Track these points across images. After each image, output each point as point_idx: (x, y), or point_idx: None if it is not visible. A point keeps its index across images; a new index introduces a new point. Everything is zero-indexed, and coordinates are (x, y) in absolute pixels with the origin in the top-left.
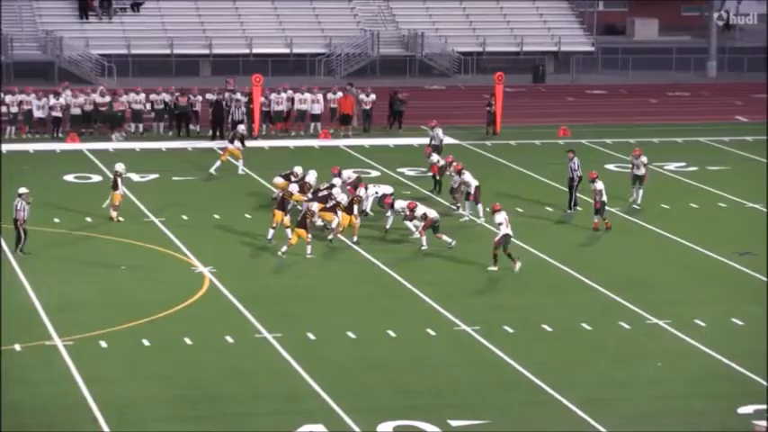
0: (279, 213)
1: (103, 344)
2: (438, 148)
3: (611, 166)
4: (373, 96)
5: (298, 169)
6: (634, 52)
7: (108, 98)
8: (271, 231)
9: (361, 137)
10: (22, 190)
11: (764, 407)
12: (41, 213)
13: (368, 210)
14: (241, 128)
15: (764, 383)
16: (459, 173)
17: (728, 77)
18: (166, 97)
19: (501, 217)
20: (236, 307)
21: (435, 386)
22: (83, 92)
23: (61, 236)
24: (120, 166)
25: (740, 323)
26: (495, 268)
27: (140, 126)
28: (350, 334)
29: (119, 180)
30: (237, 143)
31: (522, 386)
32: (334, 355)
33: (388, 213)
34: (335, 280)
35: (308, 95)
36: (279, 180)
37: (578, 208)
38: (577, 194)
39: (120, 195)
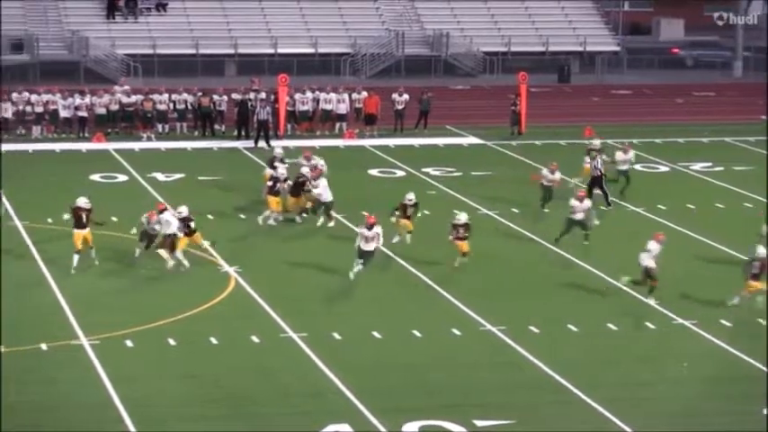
0: (272, 199)
1: (129, 343)
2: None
3: (636, 167)
4: (406, 96)
5: (278, 151)
6: (659, 52)
7: (133, 98)
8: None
9: (386, 137)
10: None
11: None
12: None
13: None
14: (278, 151)
15: None
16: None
17: (754, 77)
18: (188, 97)
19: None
20: (261, 306)
21: (461, 386)
22: (107, 92)
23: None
24: (82, 201)
25: (763, 323)
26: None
27: (165, 126)
28: (375, 334)
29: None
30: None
31: (548, 386)
32: (359, 355)
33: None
34: (361, 280)
35: (333, 95)
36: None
37: (612, 199)
38: (606, 188)
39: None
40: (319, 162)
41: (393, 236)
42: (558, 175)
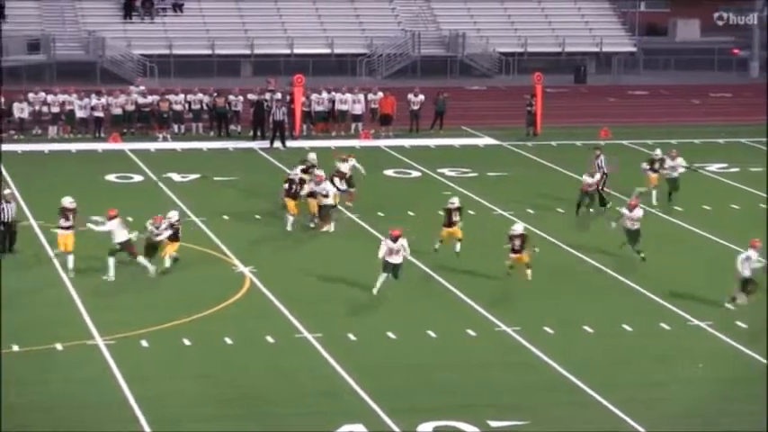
0: (290, 202)
1: (144, 343)
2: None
3: None
4: (422, 97)
5: (311, 156)
6: (676, 53)
7: (149, 98)
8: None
9: (401, 137)
10: (6, 191)
11: None
12: (83, 213)
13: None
14: (311, 156)
15: None
16: None
17: None
18: (204, 98)
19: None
20: (276, 307)
21: (475, 386)
22: (123, 92)
23: (102, 235)
24: (66, 201)
25: None
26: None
27: (181, 127)
28: (390, 334)
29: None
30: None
31: (562, 387)
32: (374, 356)
33: None
34: (374, 281)
35: (348, 96)
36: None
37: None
38: (605, 190)
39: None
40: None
41: (434, 242)
42: (597, 178)
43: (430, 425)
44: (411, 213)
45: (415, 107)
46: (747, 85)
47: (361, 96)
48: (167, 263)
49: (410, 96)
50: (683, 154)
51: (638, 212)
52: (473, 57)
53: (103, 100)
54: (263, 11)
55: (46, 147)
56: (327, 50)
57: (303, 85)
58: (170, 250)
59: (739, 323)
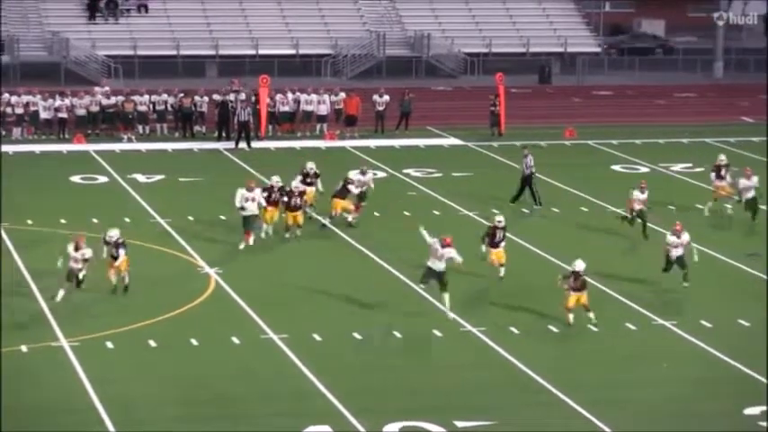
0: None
1: (110, 345)
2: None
3: (617, 167)
4: (387, 97)
5: (309, 165)
6: (640, 53)
7: (113, 99)
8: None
9: (367, 138)
10: None
11: None
12: (48, 214)
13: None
14: (309, 166)
15: None
16: None
17: (735, 78)
18: (169, 99)
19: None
20: (241, 308)
21: (441, 387)
22: (88, 93)
23: (67, 237)
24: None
25: (746, 324)
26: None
27: (146, 128)
28: (355, 335)
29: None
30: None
31: (529, 387)
32: (339, 356)
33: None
34: (340, 281)
35: (314, 96)
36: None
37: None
38: (536, 189)
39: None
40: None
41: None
42: (647, 194)
43: (396, 425)
44: (377, 214)
45: (380, 108)
46: (712, 85)
47: (327, 97)
48: (114, 280)
49: (375, 97)
50: (647, 154)
51: (685, 237)
52: (438, 57)
53: (68, 101)
54: (228, 11)
55: (10, 148)
56: (292, 51)
57: (268, 86)
58: (120, 269)
59: (704, 323)
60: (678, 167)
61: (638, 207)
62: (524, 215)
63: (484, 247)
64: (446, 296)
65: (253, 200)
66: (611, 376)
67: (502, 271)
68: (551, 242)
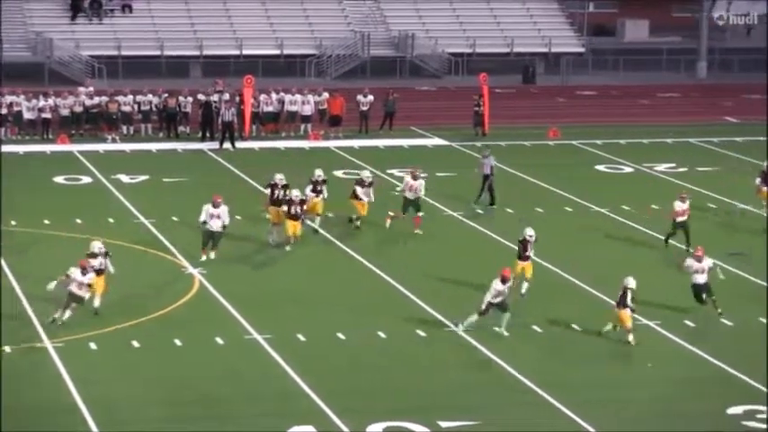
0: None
1: (93, 345)
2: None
3: (601, 167)
4: (371, 97)
5: (318, 173)
6: (624, 53)
7: (97, 99)
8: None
9: (351, 138)
10: None
11: (753, 407)
12: (31, 215)
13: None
14: (318, 172)
15: (754, 384)
16: None
17: (718, 78)
18: (153, 99)
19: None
20: (225, 308)
21: (426, 387)
22: (72, 93)
23: (51, 237)
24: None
25: (730, 324)
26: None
27: (130, 128)
28: (340, 335)
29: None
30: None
31: (513, 387)
32: (324, 357)
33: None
34: (325, 281)
35: (298, 97)
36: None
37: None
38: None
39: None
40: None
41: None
42: (688, 204)
43: (380, 425)
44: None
45: (365, 108)
46: (695, 85)
47: (311, 97)
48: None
49: (359, 97)
50: (631, 154)
51: (707, 262)
52: (422, 57)
53: (51, 101)
54: (212, 12)
55: None
56: (277, 51)
57: (252, 86)
58: (95, 291)
59: (688, 322)
60: (662, 167)
61: (680, 219)
62: (510, 215)
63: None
64: (506, 315)
65: (218, 216)
66: (594, 376)
67: (525, 287)
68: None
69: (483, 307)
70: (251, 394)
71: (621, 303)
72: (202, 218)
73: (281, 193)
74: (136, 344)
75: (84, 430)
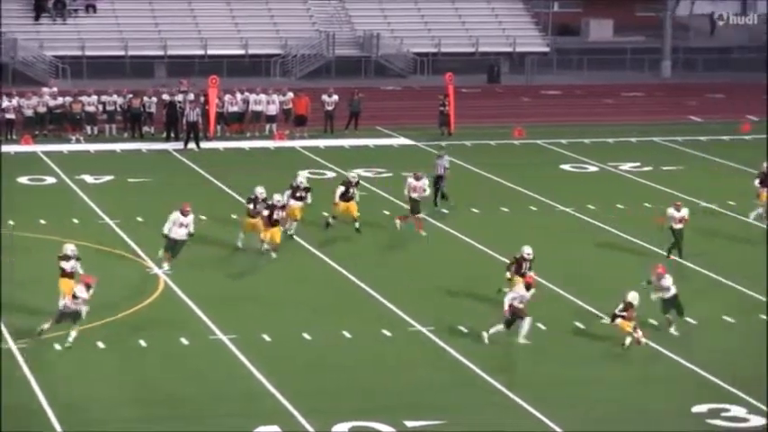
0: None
1: (57, 346)
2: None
3: (566, 167)
4: (336, 97)
5: (301, 178)
6: (589, 53)
7: (60, 100)
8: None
9: (316, 138)
10: None
11: (718, 405)
12: None
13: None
14: (300, 177)
15: (719, 382)
16: None
17: (682, 77)
18: (118, 99)
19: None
20: (190, 308)
21: (391, 387)
22: (35, 94)
23: (15, 239)
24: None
25: (694, 322)
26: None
27: (95, 128)
28: (305, 335)
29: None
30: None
31: (478, 386)
32: (289, 357)
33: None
34: (289, 281)
35: (263, 96)
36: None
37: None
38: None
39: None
40: None
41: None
42: (685, 212)
43: (346, 425)
44: (325, 213)
45: (330, 108)
46: (659, 84)
47: (276, 97)
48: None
49: (324, 97)
50: (596, 153)
51: (667, 281)
52: (387, 57)
53: (15, 102)
54: (177, 11)
55: None
56: (241, 51)
57: (217, 86)
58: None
59: (651, 321)
60: (627, 166)
61: (677, 226)
62: (475, 215)
63: (508, 274)
64: (527, 321)
65: (186, 225)
66: (560, 375)
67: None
68: (500, 241)
69: (508, 314)
70: (216, 395)
71: (619, 316)
72: (167, 228)
73: (262, 207)
74: (101, 344)
75: (49, 431)
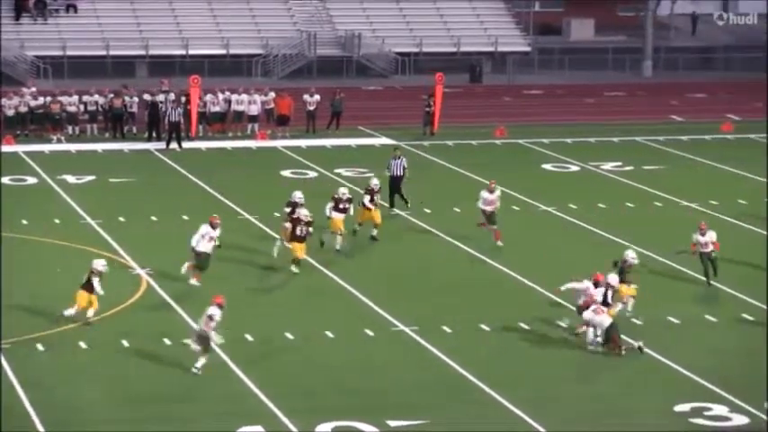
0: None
1: (40, 347)
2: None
3: (548, 166)
4: (317, 97)
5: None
6: (570, 52)
7: (41, 100)
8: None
9: (298, 138)
10: None
11: (700, 404)
12: None
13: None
14: (297, 194)
15: (700, 381)
16: None
17: (664, 77)
18: (99, 99)
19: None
20: (173, 308)
21: (374, 386)
22: (16, 94)
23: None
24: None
25: (676, 322)
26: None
27: (76, 128)
28: (288, 335)
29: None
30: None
31: (461, 386)
32: (272, 357)
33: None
34: (272, 282)
35: (244, 96)
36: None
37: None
38: (403, 193)
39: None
40: None
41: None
42: (711, 235)
43: (329, 425)
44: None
45: (311, 107)
46: (641, 83)
47: (257, 97)
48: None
49: (306, 97)
50: (578, 153)
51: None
52: (369, 57)
53: None
54: (158, 11)
55: None
56: (223, 51)
57: (199, 86)
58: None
59: (634, 320)
60: (608, 166)
61: (707, 250)
62: (457, 214)
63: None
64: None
65: (211, 238)
66: (543, 374)
67: (630, 304)
68: (481, 241)
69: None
70: (200, 395)
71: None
72: (195, 241)
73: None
74: (83, 345)
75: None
